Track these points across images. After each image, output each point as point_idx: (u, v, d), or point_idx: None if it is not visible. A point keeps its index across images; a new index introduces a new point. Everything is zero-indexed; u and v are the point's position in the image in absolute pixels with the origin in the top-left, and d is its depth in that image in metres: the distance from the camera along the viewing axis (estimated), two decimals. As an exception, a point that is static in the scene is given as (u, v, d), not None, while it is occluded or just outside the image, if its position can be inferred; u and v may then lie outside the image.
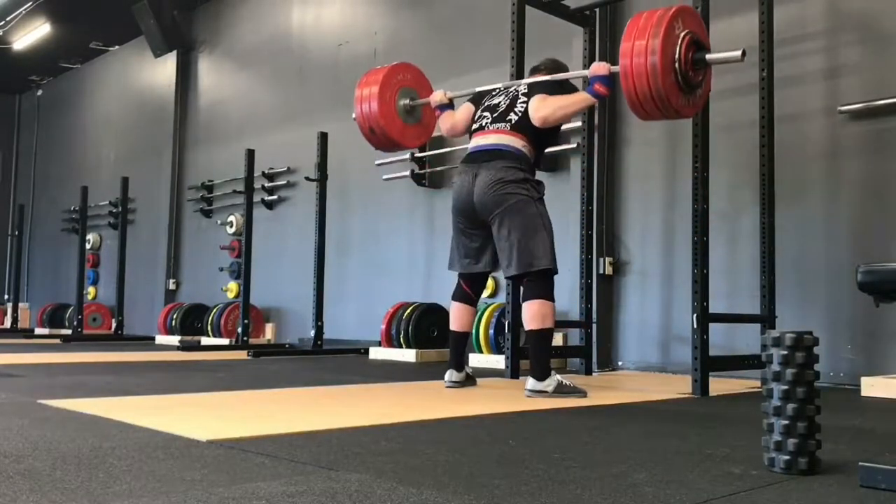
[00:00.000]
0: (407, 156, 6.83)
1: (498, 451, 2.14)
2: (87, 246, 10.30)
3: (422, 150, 6.81)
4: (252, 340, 7.52)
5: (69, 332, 9.65)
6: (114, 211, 10.59)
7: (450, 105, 4.14)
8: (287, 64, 8.67)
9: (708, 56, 3.37)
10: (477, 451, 2.15)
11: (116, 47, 11.53)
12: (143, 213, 10.59)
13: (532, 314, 3.57)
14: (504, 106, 3.79)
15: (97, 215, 10.88)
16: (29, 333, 10.12)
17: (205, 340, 8.05)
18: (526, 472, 1.84)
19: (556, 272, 3.66)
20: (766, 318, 4.31)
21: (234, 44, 9.61)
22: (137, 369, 4.91)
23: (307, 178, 7.00)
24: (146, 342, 8.62)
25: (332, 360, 6.09)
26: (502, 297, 5.67)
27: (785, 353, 1.86)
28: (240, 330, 7.33)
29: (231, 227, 8.57)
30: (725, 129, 4.77)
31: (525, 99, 3.73)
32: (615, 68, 3.39)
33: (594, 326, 5.05)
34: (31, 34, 10.92)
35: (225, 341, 7.78)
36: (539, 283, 3.60)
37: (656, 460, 2.03)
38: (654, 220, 5.40)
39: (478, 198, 3.65)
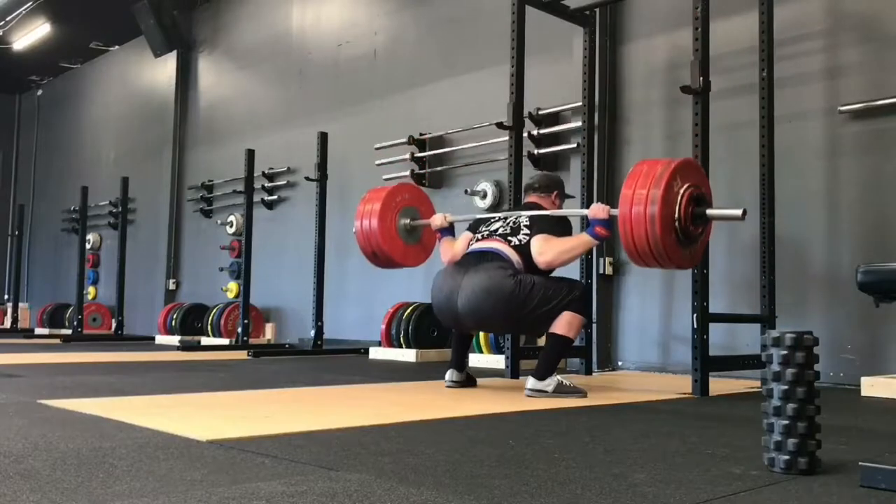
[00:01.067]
0: (407, 156, 6.83)
1: (498, 451, 2.14)
2: (87, 246, 10.30)
3: (421, 150, 6.82)
4: (252, 340, 7.52)
5: (69, 332, 9.65)
6: (114, 211, 10.59)
7: (450, 229, 4.11)
8: (287, 64, 8.67)
9: (708, 212, 3.36)
10: (477, 451, 2.15)
11: (116, 47, 11.53)
12: (143, 213, 10.60)
13: (563, 321, 3.57)
14: (506, 230, 3.77)
15: (97, 215, 10.88)
16: (29, 333, 10.12)
17: (205, 340, 8.05)
18: (526, 472, 1.84)
19: (587, 290, 3.64)
20: (766, 318, 4.31)
21: (234, 44, 9.61)
22: (137, 369, 4.91)
23: (307, 178, 7.00)
24: (146, 342, 8.62)
25: (332, 360, 6.09)
26: (502, 297, 5.66)
27: (785, 353, 1.86)
28: (240, 330, 7.33)
29: (231, 227, 8.57)
30: (725, 129, 4.77)
31: (528, 231, 3.70)
32: (615, 212, 3.37)
33: (594, 326, 5.05)
34: (31, 34, 10.92)
35: (225, 341, 7.78)
36: (579, 302, 3.61)
37: (656, 460, 2.03)
38: (654, 220, 5.39)
39: (465, 304, 3.60)
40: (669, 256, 3.25)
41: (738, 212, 3.31)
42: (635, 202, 3.20)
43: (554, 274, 3.72)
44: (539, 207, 3.88)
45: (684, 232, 3.27)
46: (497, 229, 3.80)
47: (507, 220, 3.82)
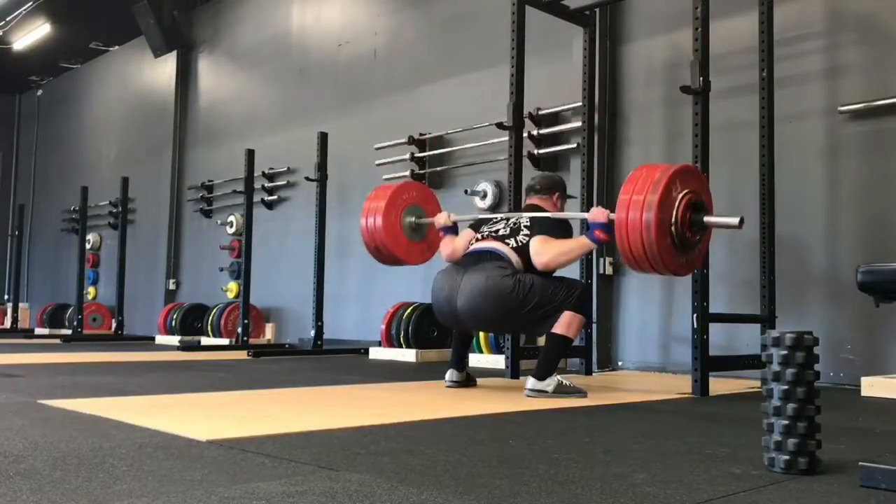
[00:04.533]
0: (407, 156, 6.83)
1: (498, 451, 2.14)
2: (87, 246, 10.29)
3: (421, 150, 6.82)
4: (252, 340, 7.52)
5: (69, 332, 9.65)
6: (114, 211, 10.59)
7: (453, 229, 4.10)
8: (287, 64, 8.67)
9: (706, 219, 3.32)
10: (477, 451, 2.15)
11: (116, 47, 11.53)
12: (143, 213, 10.59)
13: (563, 321, 3.57)
14: (506, 232, 3.77)
15: (97, 215, 10.87)
16: (29, 333, 10.12)
17: (205, 340, 8.05)
18: (526, 472, 1.85)
19: (586, 289, 3.64)
20: (766, 318, 4.31)
21: (234, 44, 9.61)
22: (137, 369, 4.91)
23: (307, 178, 7.00)
24: (146, 342, 8.62)
25: (332, 360, 6.09)
26: (502, 297, 5.66)
27: (785, 353, 1.86)
28: (240, 330, 7.33)
29: (231, 227, 8.56)
30: (725, 129, 4.77)
31: (528, 232, 3.71)
32: (614, 216, 3.35)
33: (594, 326, 5.05)
34: (31, 34, 10.92)
35: (225, 341, 7.78)
36: (579, 301, 3.61)
37: (656, 460, 2.03)
38: (654, 220, 5.39)
39: (464, 303, 3.61)
40: (665, 262, 3.23)
41: (735, 220, 3.28)
42: (632, 208, 3.18)
43: (554, 274, 3.72)
44: (540, 209, 3.89)
45: (681, 238, 3.24)
46: (498, 230, 3.80)
47: (509, 222, 3.82)
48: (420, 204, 4.36)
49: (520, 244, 3.68)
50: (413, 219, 4.30)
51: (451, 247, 4.01)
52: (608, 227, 3.52)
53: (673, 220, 3.21)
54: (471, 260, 3.73)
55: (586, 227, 3.67)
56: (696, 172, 3.51)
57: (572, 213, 4.01)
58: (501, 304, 3.55)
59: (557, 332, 3.57)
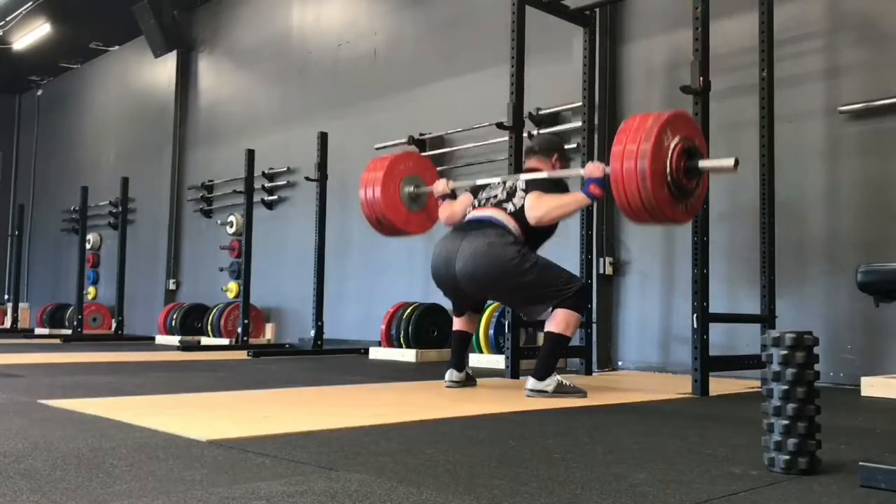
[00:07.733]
0: (407, 156, 6.83)
1: (498, 451, 2.14)
2: (87, 246, 10.29)
3: (421, 150, 6.82)
4: (252, 340, 7.52)
5: (69, 332, 9.65)
6: (114, 211, 10.59)
7: (452, 195, 4.13)
8: (287, 64, 8.67)
9: (700, 163, 3.30)
10: (477, 451, 2.15)
11: (116, 47, 11.53)
12: (143, 213, 10.60)
13: (558, 319, 3.57)
14: (503, 196, 3.79)
15: (97, 215, 10.88)
16: (29, 333, 10.12)
17: (205, 340, 8.05)
18: (526, 472, 1.85)
19: (585, 286, 3.63)
20: (766, 318, 4.31)
21: (234, 44, 9.61)
22: (137, 369, 4.91)
23: (307, 178, 7.00)
24: (146, 342, 8.62)
25: (332, 360, 6.09)
26: (502, 297, 5.66)
27: (785, 353, 1.86)
28: (240, 330, 7.33)
29: (231, 227, 8.56)
30: (725, 129, 4.77)
31: (523, 194, 3.72)
32: (609, 170, 3.33)
33: (594, 326, 5.05)
34: (31, 34, 10.92)
35: (225, 341, 7.78)
36: (576, 297, 3.60)
37: (656, 460, 2.03)
38: (654, 220, 5.39)
39: (463, 266, 3.61)
40: (664, 212, 3.22)
41: (730, 161, 3.23)
42: (625, 158, 3.17)
43: (559, 264, 3.71)
44: (538, 171, 3.87)
45: (677, 186, 3.22)
46: (497, 195, 3.81)
47: (506, 185, 3.83)
48: (418, 173, 4.36)
49: (516, 207, 3.70)
50: (412, 188, 4.30)
51: (449, 210, 4.04)
52: (603, 181, 3.50)
53: (668, 168, 3.18)
54: (472, 226, 3.73)
55: (582, 183, 3.64)
56: (688, 118, 3.47)
57: (568, 171, 3.97)
58: (500, 268, 3.54)
59: (554, 331, 3.57)
